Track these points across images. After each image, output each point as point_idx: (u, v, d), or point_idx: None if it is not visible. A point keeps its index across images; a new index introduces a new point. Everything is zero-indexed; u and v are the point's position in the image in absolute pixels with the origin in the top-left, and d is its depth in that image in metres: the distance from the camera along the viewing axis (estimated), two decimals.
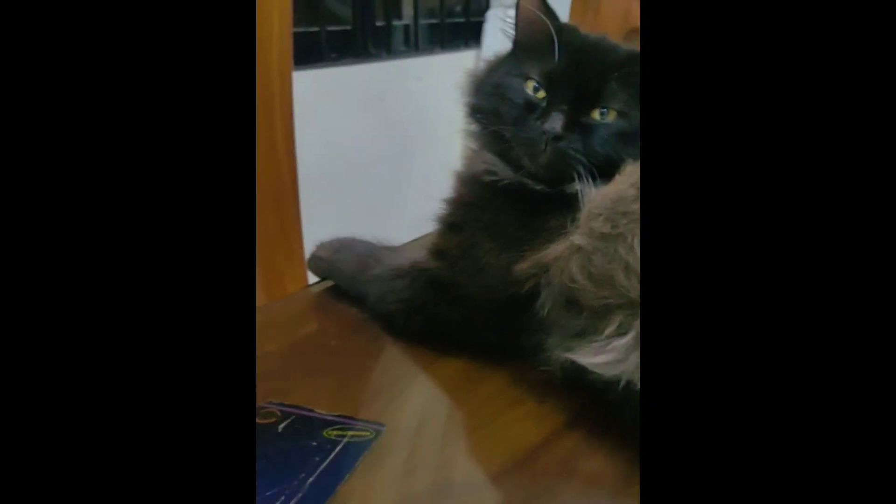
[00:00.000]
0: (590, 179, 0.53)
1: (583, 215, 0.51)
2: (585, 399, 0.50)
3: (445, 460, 0.47)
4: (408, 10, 1.75)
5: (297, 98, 0.90)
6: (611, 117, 0.55)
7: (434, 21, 1.82)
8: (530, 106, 0.56)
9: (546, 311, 0.52)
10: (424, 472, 0.45)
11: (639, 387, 0.44)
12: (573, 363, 0.49)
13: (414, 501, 0.43)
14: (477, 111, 0.61)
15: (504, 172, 0.58)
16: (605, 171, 0.53)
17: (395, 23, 1.72)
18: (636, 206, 0.49)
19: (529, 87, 0.57)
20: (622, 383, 0.45)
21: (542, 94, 0.56)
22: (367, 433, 0.47)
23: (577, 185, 0.53)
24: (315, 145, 1.06)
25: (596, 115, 0.55)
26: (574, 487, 0.44)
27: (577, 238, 0.50)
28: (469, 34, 1.89)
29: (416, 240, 0.70)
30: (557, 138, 0.54)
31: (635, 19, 1.34)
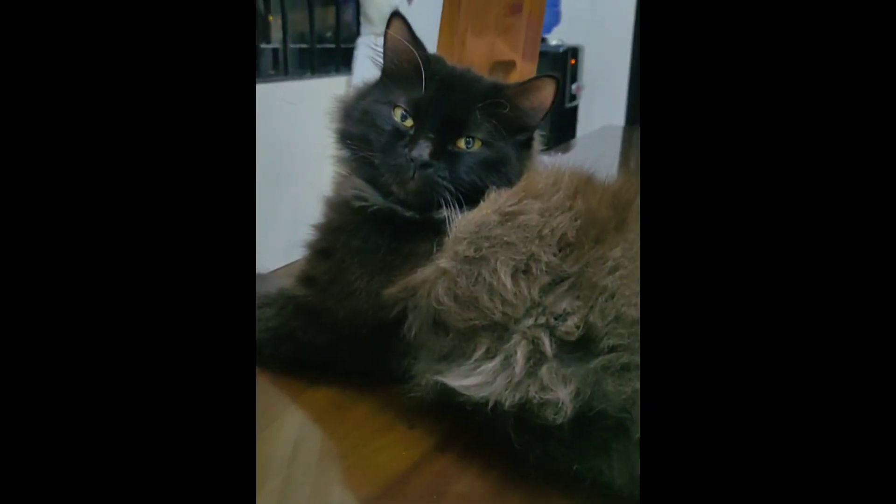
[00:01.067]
0: (456, 206, 0.55)
1: (448, 240, 0.52)
2: (454, 422, 0.50)
3: (317, 489, 0.46)
4: (276, 33, 1.73)
5: None
6: (476, 146, 0.57)
7: (304, 46, 1.81)
8: (398, 133, 0.57)
9: (413, 333, 0.52)
10: (297, 502, 0.44)
11: (506, 407, 0.45)
12: (443, 385, 0.49)
13: None
14: (346, 137, 0.62)
15: (373, 198, 0.58)
16: (470, 197, 0.55)
17: (264, 46, 1.69)
18: (499, 231, 0.50)
19: (397, 114, 0.58)
20: (490, 404, 0.46)
21: (409, 121, 0.57)
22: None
23: (445, 212, 0.55)
24: None
25: (462, 143, 0.57)
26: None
27: (443, 262, 0.51)
28: (340, 60, 1.89)
29: (284, 267, 0.69)
30: (425, 166, 0.55)
31: (500, 53, 1.40)
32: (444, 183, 0.55)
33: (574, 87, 2.70)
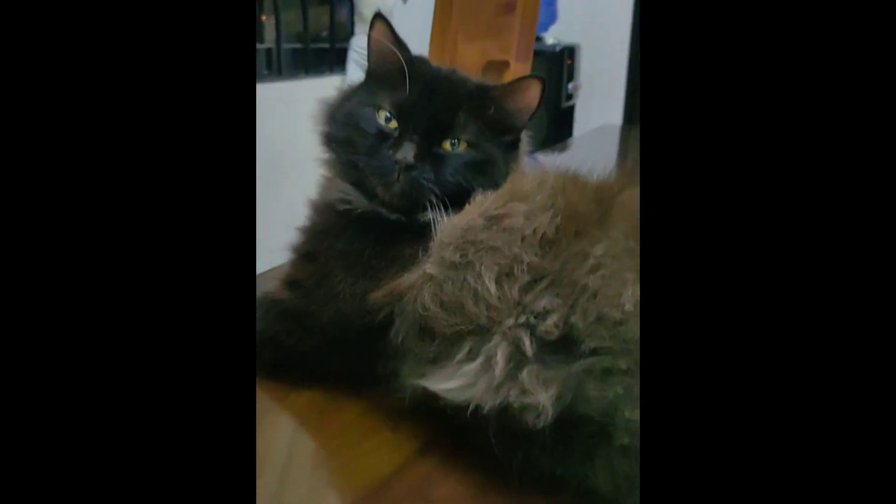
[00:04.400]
0: (442, 208, 0.54)
1: (434, 245, 0.52)
2: (438, 425, 0.50)
3: (300, 494, 0.46)
4: (270, 33, 1.72)
5: None
6: (461, 148, 0.57)
7: (298, 46, 1.81)
8: (382, 135, 0.57)
9: (400, 339, 0.52)
10: None
11: (486, 411, 0.45)
12: (425, 390, 0.49)
13: None
14: (331, 139, 0.61)
15: (358, 201, 0.58)
16: (456, 200, 0.55)
17: (257, 46, 1.69)
18: (484, 236, 0.50)
19: (381, 116, 0.57)
20: (471, 408, 0.46)
21: (393, 123, 0.57)
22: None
23: (430, 214, 0.54)
24: None
25: (447, 145, 0.56)
26: None
27: (429, 267, 0.51)
28: (334, 60, 1.89)
29: (269, 270, 0.69)
30: (410, 168, 0.54)
31: (493, 54, 1.40)
32: (430, 185, 0.55)
33: (571, 86, 2.70)
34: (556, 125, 2.60)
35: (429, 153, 0.56)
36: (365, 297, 0.53)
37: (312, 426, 0.53)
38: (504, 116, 0.58)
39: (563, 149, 2.18)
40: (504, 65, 1.41)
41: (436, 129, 0.56)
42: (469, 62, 1.31)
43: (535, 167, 0.60)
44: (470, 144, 0.57)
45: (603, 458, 0.43)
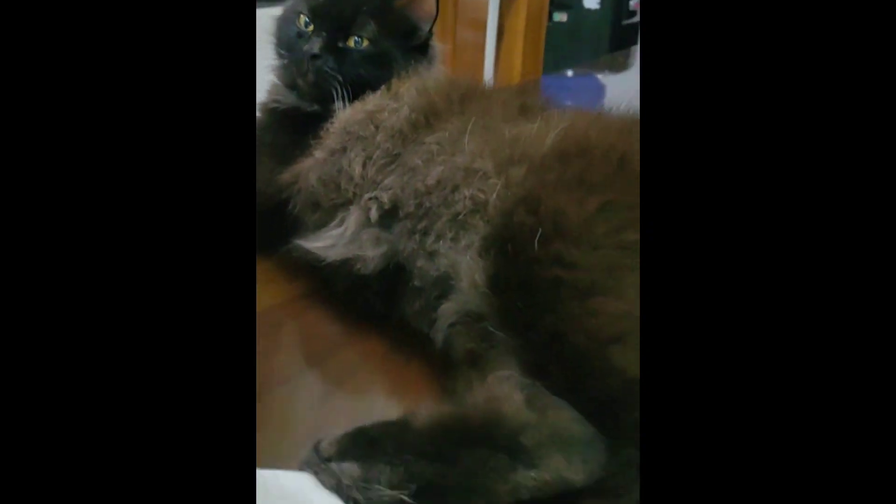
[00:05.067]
0: (346, 98, 0.67)
1: (324, 133, 0.65)
2: (315, 276, 0.64)
3: None
4: None
5: None
6: (364, 45, 0.69)
7: None
8: (301, 35, 0.70)
9: (296, 210, 0.66)
10: None
11: (337, 263, 0.59)
12: (306, 249, 0.63)
13: None
14: (276, 47, 0.75)
15: (285, 99, 0.71)
16: (359, 91, 0.67)
17: None
18: (358, 128, 0.63)
19: (301, 21, 0.70)
20: (327, 261, 0.60)
21: (311, 27, 0.70)
22: None
23: (337, 104, 0.67)
24: None
25: (351, 42, 0.69)
26: (289, 328, 0.60)
27: (318, 153, 0.64)
28: None
29: None
30: (314, 57, 0.67)
31: None
32: (333, 73, 0.68)
33: (633, 2, 2.64)
34: (618, 44, 2.58)
35: (334, 48, 0.68)
36: (277, 179, 0.67)
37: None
38: (405, 23, 0.70)
39: (624, 67, 2.17)
40: None
41: (341, 28, 0.68)
42: None
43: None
44: (371, 42, 0.69)
45: (409, 296, 0.56)
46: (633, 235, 0.45)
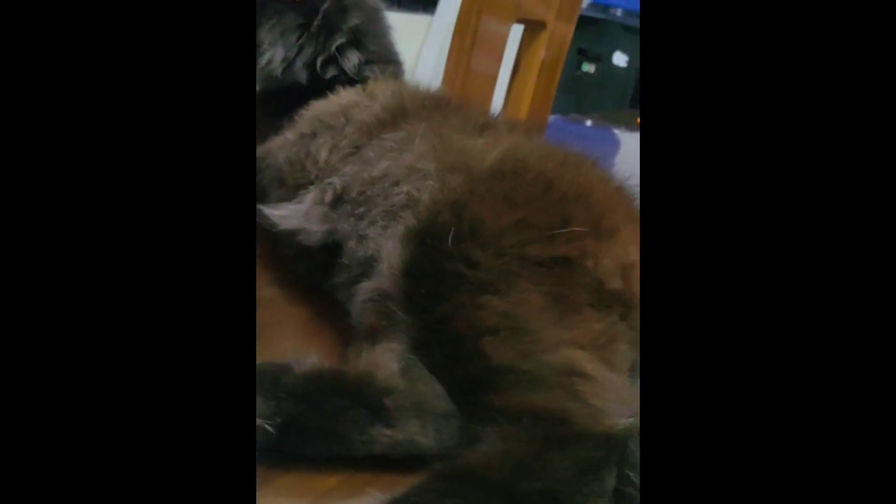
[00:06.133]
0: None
1: (297, 117, 0.71)
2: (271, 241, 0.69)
3: None
4: None
5: None
6: None
7: None
8: None
9: (264, 184, 0.71)
10: None
11: (287, 232, 0.64)
12: (263, 214, 0.68)
13: None
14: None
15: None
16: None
17: None
18: (330, 118, 0.69)
19: None
20: (279, 228, 0.65)
21: None
22: None
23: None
24: None
25: None
26: None
27: (288, 134, 0.70)
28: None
29: None
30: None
31: (527, 10, 1.50)
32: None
33: None
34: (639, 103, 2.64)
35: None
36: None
37: None
38: None
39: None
40: (540, 25, 1.45)
41: None
42: (499, 16, 1.43)
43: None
44: None
45: (338, 270, 0.61)
46: (536, 251, 0.50)
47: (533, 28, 1.57)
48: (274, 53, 0.76)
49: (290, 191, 0.68)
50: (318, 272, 0.64)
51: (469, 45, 1.47)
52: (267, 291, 0.65)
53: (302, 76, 0.75)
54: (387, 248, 0.55)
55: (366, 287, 0.56)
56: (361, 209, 0.59)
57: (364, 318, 0.55)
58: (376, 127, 0.66)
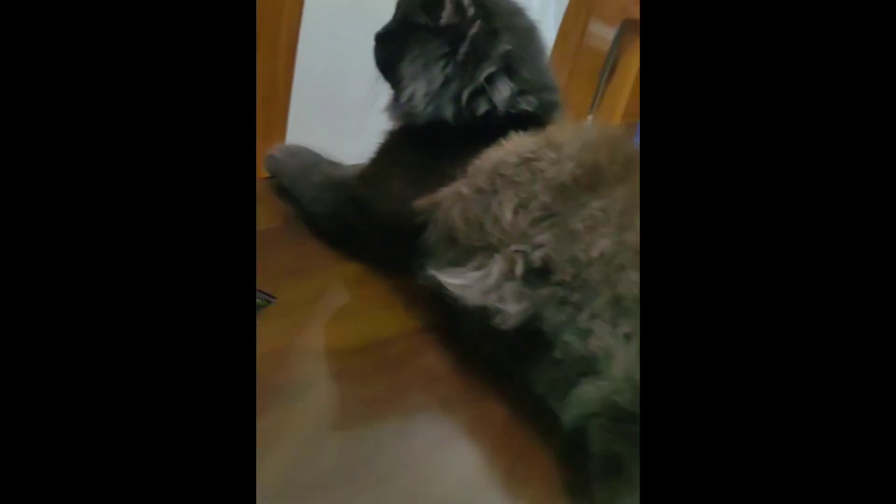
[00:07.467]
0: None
1: (471, 169, 0.63)
2: (439, 312, 0.62)
3: (314, 331, 0.60)
4: None
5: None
6: None
7: None
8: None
9: (431, 240, 0.64)
10: (294, 336, 0.59)
11: (469, 306, 0.57)
12: (438, 281, 0.61)
13: (282, 354, 0.56)
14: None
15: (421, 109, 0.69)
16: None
17: None
18: (512, 171, 0.61)
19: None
20: (463, 302, 0.58)
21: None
22: (260, 301, 0.60)
23: None
24: (317, 56, 1.13)
25: None
26: (409, 369, 0.58)
27: (463, 188, 0.62)
28: None
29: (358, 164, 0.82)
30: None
31: (632, 12, 1.41)
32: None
33: None
34: None
35: None
36: (411, 201, 0.65)
37: (350, 288, 0.68)
38: None
39: None
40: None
41: None
42: (607, 15, 1.34)
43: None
44: None
45: (543, 364, 0.54)
46: None
47: (633, 29, 1.48)
48: (415, 88, 0.68)
49: (465, 253, 0.61)
50: (511, 360, 0.56)
51: (575, 47, 1.38)
52: (451, 378, 0.58)
53: (448, 112, 0.68)
54: (619, 350, 0.48)
55: (588, 393, 0.49)
56: (578, 296, 0.52)
57: (598, 439, 0.47)
58: (573, 189, 0.58)
